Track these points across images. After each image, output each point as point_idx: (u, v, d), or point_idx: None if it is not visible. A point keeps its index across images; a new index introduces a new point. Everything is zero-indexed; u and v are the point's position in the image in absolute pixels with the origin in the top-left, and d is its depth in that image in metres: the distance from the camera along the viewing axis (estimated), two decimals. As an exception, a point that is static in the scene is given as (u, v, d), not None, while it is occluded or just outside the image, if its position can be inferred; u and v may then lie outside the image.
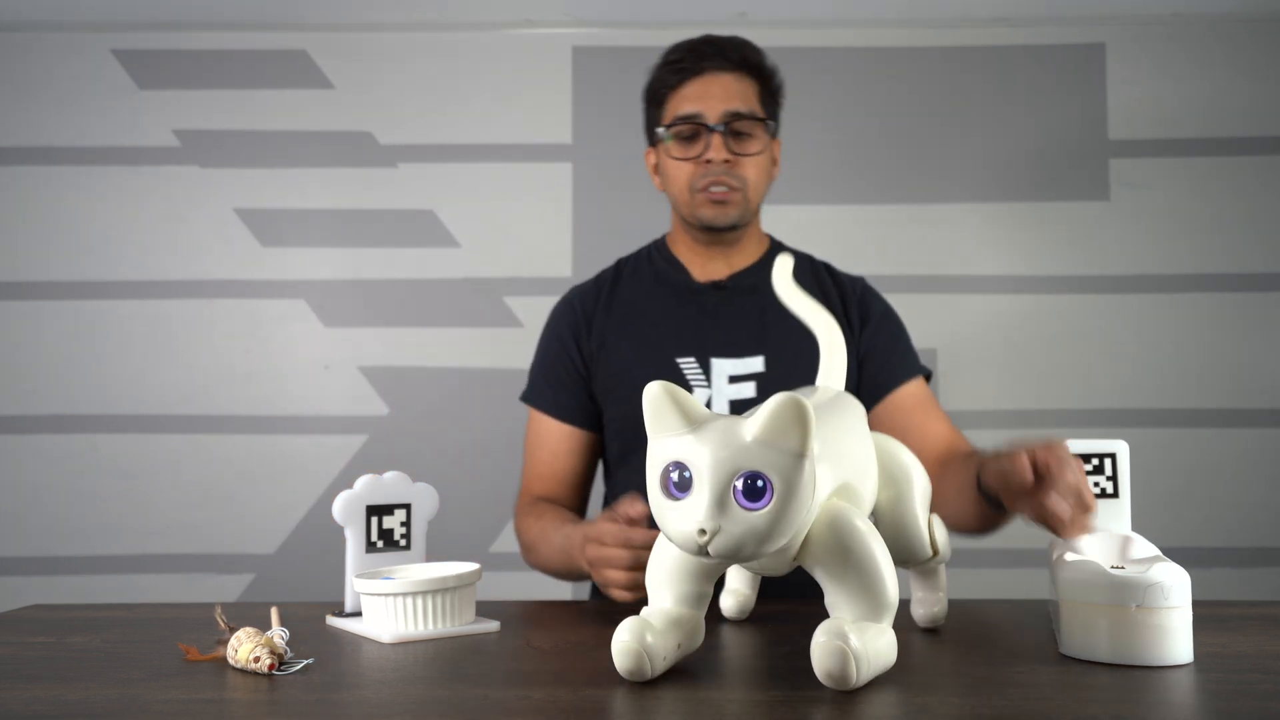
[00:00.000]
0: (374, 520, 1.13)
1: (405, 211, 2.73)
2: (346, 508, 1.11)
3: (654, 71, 1.46)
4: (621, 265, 1.56)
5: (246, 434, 2.68)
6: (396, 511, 1.14)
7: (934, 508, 1.06)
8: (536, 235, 2.71)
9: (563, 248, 2.70)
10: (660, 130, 1.44)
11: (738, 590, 1.07)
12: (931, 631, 1.00)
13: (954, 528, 1.22)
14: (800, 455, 0.70)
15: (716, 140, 1.38)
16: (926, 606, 1.00)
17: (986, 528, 1.22)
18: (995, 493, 1.05)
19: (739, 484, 0.70)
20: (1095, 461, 1.04)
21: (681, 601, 0.83)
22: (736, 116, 1.39)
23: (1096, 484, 1.04)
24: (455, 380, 2.67)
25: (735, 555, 0.71)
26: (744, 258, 1.49)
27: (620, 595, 1.11)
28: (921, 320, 2.37)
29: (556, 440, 1.49)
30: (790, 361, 1.40)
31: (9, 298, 2.70)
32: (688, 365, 1.41)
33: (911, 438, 1.34)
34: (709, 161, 1.39)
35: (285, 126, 2.73)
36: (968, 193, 2.71)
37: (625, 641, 0.79)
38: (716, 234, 1.45)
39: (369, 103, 2.74)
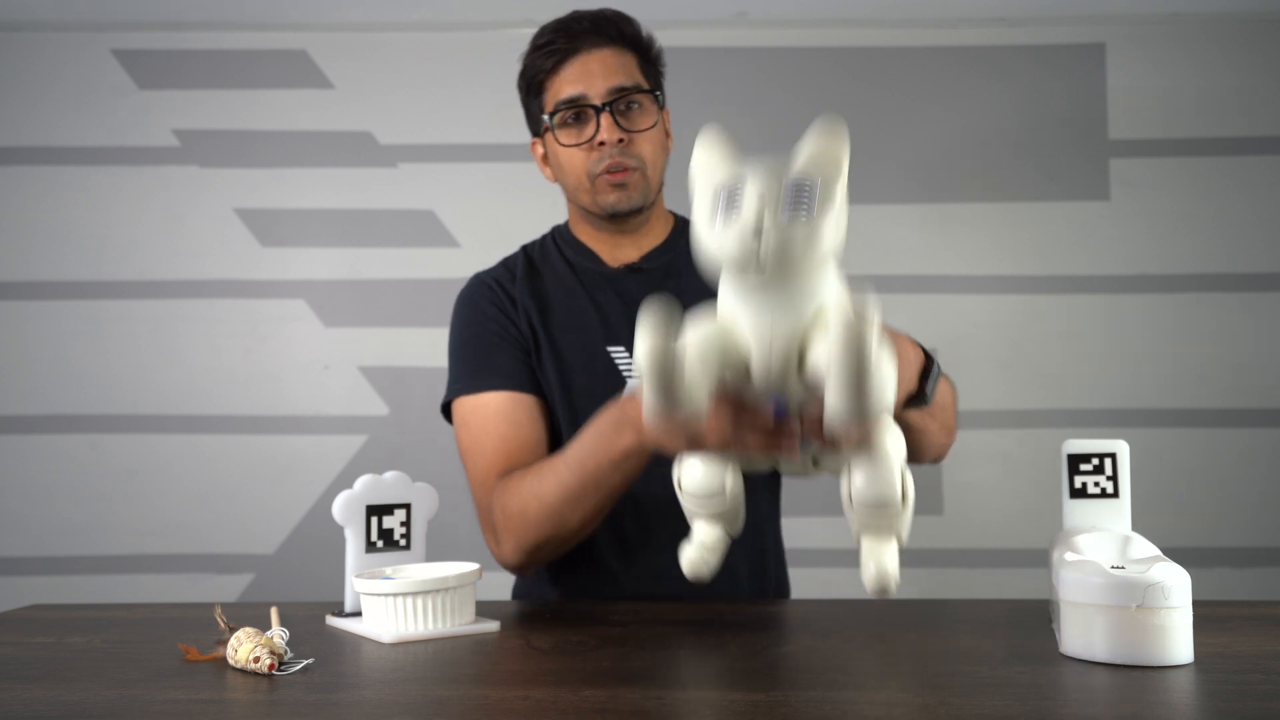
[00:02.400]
0: (374, 520, 1.12)
1: (405, 211, 2.73)
2: (346, 508, 1.11)
3: (526, 58, 1.38)
4: (529, 251, 1.49)
5: (246, 434, 2.68)
6: (396, 511, 1.14)
7: None
8: (536, 235, 2.70)
9: (563, 248, 2.71)
10: (545, 118, 1.37)
11: (702, 543, 0.94)
12: (931, 631, 0.99)
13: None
14: (839, 164, 0.77)
15: (606, 120, 1.31)
16: (877, 561, 0.82)
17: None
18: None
19: (788, 192, 0.75)
20: (1095, 461, 1.04)
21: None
22: (622, 91, 1.32)
23: (1097, 484, 1.04)
24: (455, 380, 2.68)
25: (786, 255, 0.74)
26: (652, 238, 1.44)
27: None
28: (922, 320, 2.38)
29: (512, 411, 1.33)
30: None
31: (9, 297, 2.70)
32: (619, 355, 1.38)
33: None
34: (602, 144, 1.32)
35: (285, 126, 2.73)
36: (968, 192, 2.71)
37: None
38: (621, 220, 1.38)
39: (369, 103, 2.74)
